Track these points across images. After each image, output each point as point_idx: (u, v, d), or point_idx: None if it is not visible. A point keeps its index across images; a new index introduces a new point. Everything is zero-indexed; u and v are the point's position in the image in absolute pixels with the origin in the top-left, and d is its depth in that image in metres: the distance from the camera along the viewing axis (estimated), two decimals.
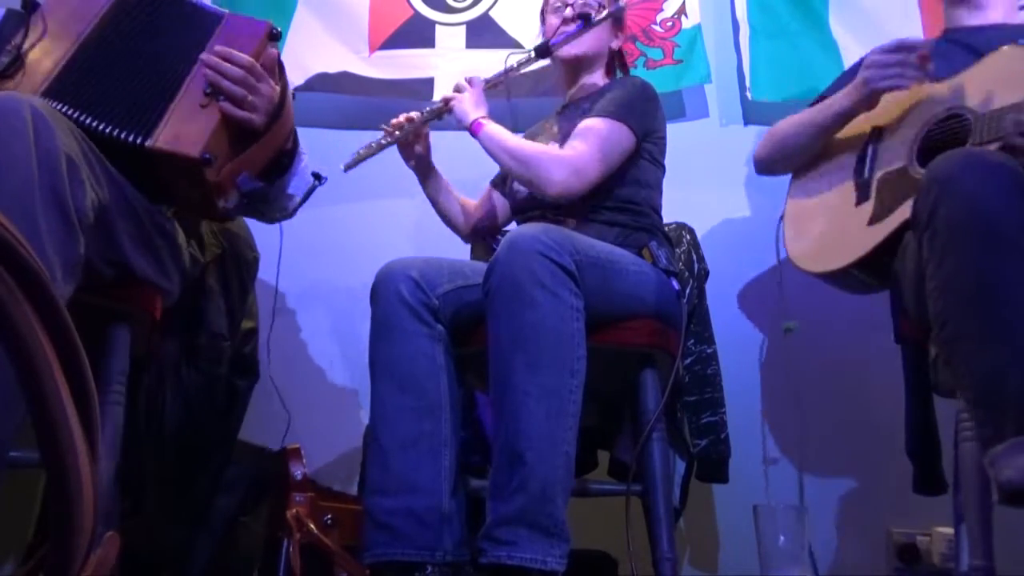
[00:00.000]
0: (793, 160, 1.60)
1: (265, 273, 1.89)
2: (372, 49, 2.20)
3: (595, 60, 1.67)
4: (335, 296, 2.07)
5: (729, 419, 1.64)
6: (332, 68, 2.16)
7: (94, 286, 1.08)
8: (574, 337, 1.15)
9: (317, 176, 1.38)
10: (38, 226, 0.88)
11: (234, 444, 1.61)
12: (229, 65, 1.15)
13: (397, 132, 1.60)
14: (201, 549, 1.51)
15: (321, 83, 2.13)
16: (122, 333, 1.18)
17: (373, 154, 1.62)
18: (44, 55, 1.14)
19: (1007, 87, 1.24)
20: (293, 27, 2.22)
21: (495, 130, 1.49)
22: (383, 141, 1.61)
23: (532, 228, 1.19)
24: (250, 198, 1.24)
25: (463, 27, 2.22)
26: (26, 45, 1.12)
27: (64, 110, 1.08)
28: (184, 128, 1.12)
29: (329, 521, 1.46)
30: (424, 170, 1.68)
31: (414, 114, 1.61)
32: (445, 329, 1.30)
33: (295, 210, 1.39)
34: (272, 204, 1.36)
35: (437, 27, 2.22)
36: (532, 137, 1.69)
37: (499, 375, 1.14)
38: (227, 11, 1.26)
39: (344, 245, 2.11)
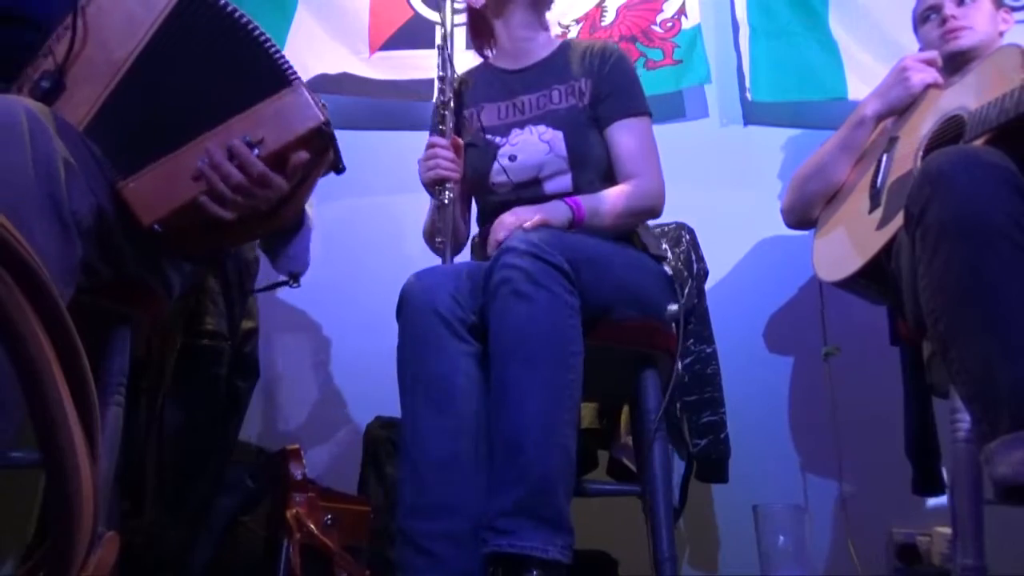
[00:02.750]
0: (820, 187, 1.62)
1: (264, 273, 1.89)
2: (372, 50, 2.20)
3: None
4: (335, 296, 2.07)
5: (729, 419, 1.65)
6: (332, 69, 2.16)
7: (93, 287, 1.08)
8: (569, 332, 1.15)
9: (295, 276, 1.29)
10: (34, 233, 0.87)
11: (234, 445, 1.61)
12: (233, 169, 1.03)
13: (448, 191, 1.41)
14: (201, 549, 1.51)
15: (322, 84, 2.13)
16: (122, 334, 1.18)
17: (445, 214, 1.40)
18: (83, 82, 1.06)
19: (995, 85, 1.26)
20: (293, 28, 2.22)
21: (591, 208, 1.37)
22: (443, 200, 1.41)
23: (523, 232, 1.20)
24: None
25: (463, 28, 2.23)
26: (67, 64, 1.06)
27: (98, 147, 1.05)
28: (156, 189, 1.03)
29: (329, 521, 1.46)
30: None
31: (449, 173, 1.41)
32: (482, 345, 1.24)
33: (258, 290, 1.35)
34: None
35: (437, 28, 2.22)
36: (469, 132, 1.54)
37: (497, 371, 1.14)
38: (298, 79, 1.08)
39: (346, 244, 2.11)
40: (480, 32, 1.62)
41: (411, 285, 1.25)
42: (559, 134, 1.45)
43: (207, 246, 1.16)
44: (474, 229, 1.86)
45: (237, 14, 1.09)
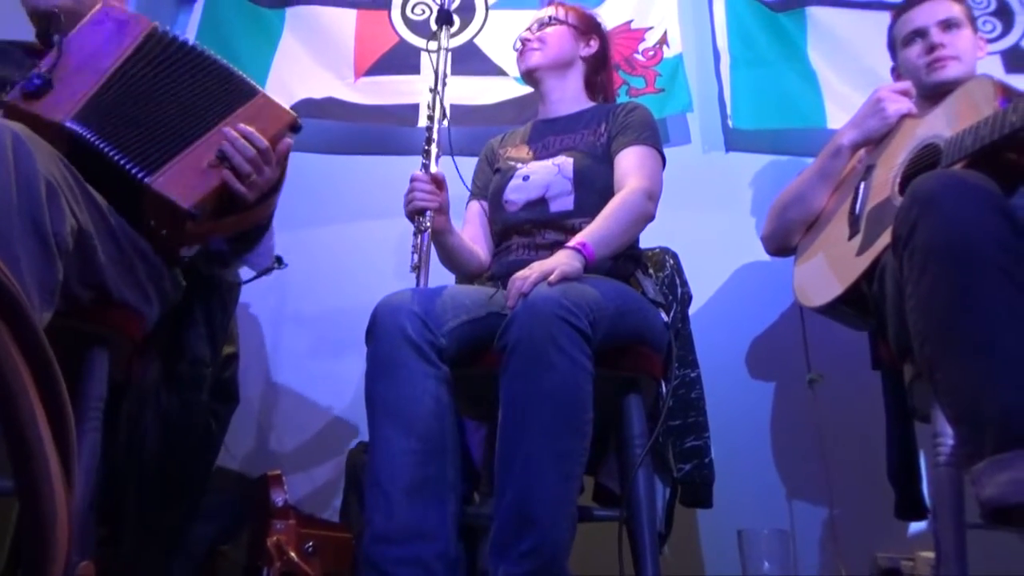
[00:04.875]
0: (799, 215, 1.64)
1: (246, 297, 1.88)
2: (358, 75, 2.22)
3: (563, 69, 1.67)
4: (316, 319, 2.06)
5: (713, 444, 1.64)
6: (318, 94, 2.17)
7: (72, 309, 1.07)
8: (586, 400, 1.14)
9: (279, 260, 1.48)
10: (15, 252, 0.87)
11: (213, 470, 1.58)
12: (246, 143, 1.22)
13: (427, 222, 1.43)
14: None
15: (306, 109, 2.13)
16: (101, 357, 1.17)
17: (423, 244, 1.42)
18: (71, 82, 1.19)
19: (969, 115, 1.28)
20: (279, 53, 2.23)
21: (595, 241, 1.35)
22: (420, 228, 1.43)
23: (551, 289, 1.17)
24: (210, 257, 1.32)
25: (448, 54, 2.24)
26: (54, 71, 1.18)
27: (88, 135, 1.15)
28: (185, 179, 1.18)
29: (310, 549, 1.44)
30: (443, 234, 1.51)
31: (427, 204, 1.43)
32: (449, 368, 1.25)
33: (245, 281, 1.52)
34: (226, 269, 1.45)
35: (423, 54, 2.24)
36: (494, 159, 1.68)
37: (511, 435, 1.12)
38: (263, 89, 1.31)
39: (331, 269, 2.10)
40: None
41: (381, 307, 1.26)
42: (570, 160, 1.55)
43: (219, 233, 1.30)
44: None
45: (199, 47, 1.30)
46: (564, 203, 1.52)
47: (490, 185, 1.65)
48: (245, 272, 1.67)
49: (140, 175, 1.15)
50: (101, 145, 1.15)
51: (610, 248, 1.39)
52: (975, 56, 1.58)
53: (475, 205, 1.69)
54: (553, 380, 1.11)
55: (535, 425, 1.11)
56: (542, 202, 1.54)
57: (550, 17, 1.68)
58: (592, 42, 1.70)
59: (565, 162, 1.54)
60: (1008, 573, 1.49)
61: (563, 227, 1.50)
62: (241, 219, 1.28)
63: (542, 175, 1.55)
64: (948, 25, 1.56)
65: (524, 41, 1.67)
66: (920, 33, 1.58)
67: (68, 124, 1.15)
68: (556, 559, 1.07)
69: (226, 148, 1.21)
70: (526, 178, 1.57)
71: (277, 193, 1.33)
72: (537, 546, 1.06)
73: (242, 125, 1.24)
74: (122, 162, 1.15)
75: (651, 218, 1.49)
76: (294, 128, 1.30)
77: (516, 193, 1.57)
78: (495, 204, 1.61)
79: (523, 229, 1.54)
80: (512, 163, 1.63)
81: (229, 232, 1.29)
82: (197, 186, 1.19)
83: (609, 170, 1.54)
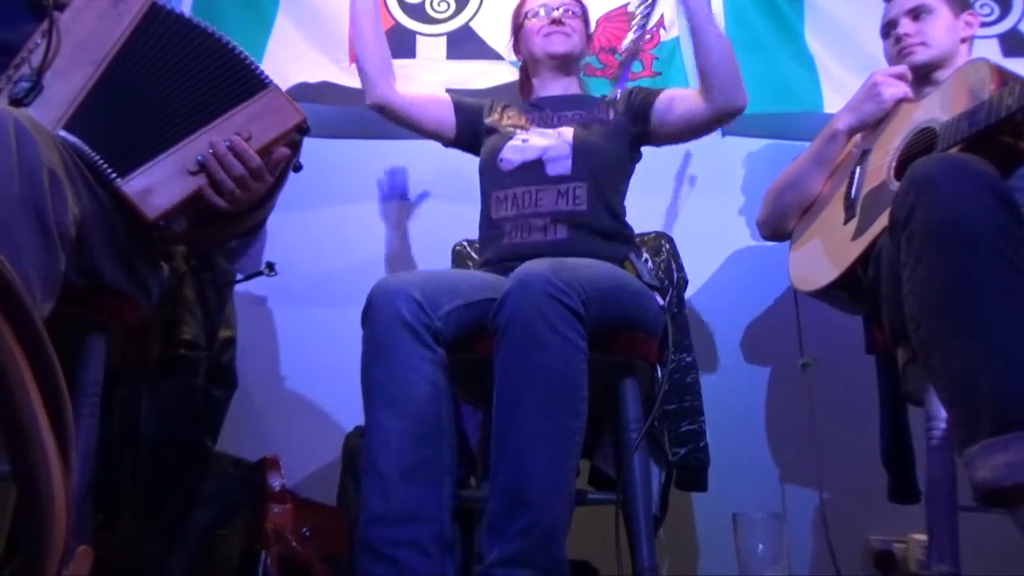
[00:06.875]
0: (795, 200, 1.65)
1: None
2: (352, 59, 2.20)
3: (574, 64, 1.72)
4: (312, 303, 2.06)
5: (708, 428, 1.65)
6: (312, 78, 2.15)
7: (66, 295, 1.07)
8: (579, 379, 1.14)
9: (270, 266, 1.40)
10: (17, 242, 0.87)
11: (211, 455, 1.59)
12: (235, 160, 1.11)
13: None
14: (176, 563, 1.49)
15: (301, 93, 2.12)
16: (97, 343, 1.16)
17: None
18: (62, 82, 1.10)
19: (965, 99, 1.28)
20: (273, 37, 2.21)
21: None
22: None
23: (542, 267, 1.16)
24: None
25: (444, 38, 2.23)
26: (44, 67, 1.09)
27: (76, 143, 1.08)
28: (157, 186, 1.09)
29: (308, 533, 1.45)
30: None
31: None
32: (446, 353, 1.25)
33: (236, 282, 1.45)
34: (214, 263, 1.41)
35: (418, 37, 2.22)
36: (488, 113, 1.70)
37: (505, 415, 1.12)
38: (274, 83, 1.18)
39: (326, 253, 2.10)
40: (524, 83, 1.81)
41: (376, 290, 1.26)
42: (570, 128, 1.57)
43: (193, 240, 1.23)
44: (456, 238, 1.85)
45: (203, 26, 1.17)
46: (562, 166, 1.53)
47: (483, 145, 1.66)
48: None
49: (111, 175, 1.09)
50: (86, 151, 1.09)
51: (714, 33, 1.53)
52: (953, 37, 1.59)
53: (444, 95, 1.71)
54: (545, 359, 1.11)
55: (527, 404, 1.11)
56: (539, 164, 1.55)
57: (578, 7, 1.71)
58: (589, 50, 1.78)
59: (565, 131, 1.57)
60: (1000, 555, 1.51)
61: (558, 191, 1.51)
62: (222, 227, 1.20)
63: (541, 140, 1.57)
64: (917, 13, 1.59)
65: (558, 21, 1.66)
66: (892, 24, 1.62)
67: (59, 134, 1.08)
68: (551, 539, 1.07)
69: (210, 164, 1.10)
70: (525, 141, 1.58)
71: (266, 205, 1.22)
72: (530, 525, 1.06)
73: (236, 138, 1.12)
74: (96, 161, 1.09)
75: (737, 109, 1.55)
76: (301, 130, 1.18)
77: (513, 153, 1.58)
78: (488, 165, 1.61)
79: (516, 196, 1.54)
80: (512, 128, 1.63)
81: (205, 241, 1.23)
82: (168, 194, 1.09)
83: (609, 145, 1.55)
